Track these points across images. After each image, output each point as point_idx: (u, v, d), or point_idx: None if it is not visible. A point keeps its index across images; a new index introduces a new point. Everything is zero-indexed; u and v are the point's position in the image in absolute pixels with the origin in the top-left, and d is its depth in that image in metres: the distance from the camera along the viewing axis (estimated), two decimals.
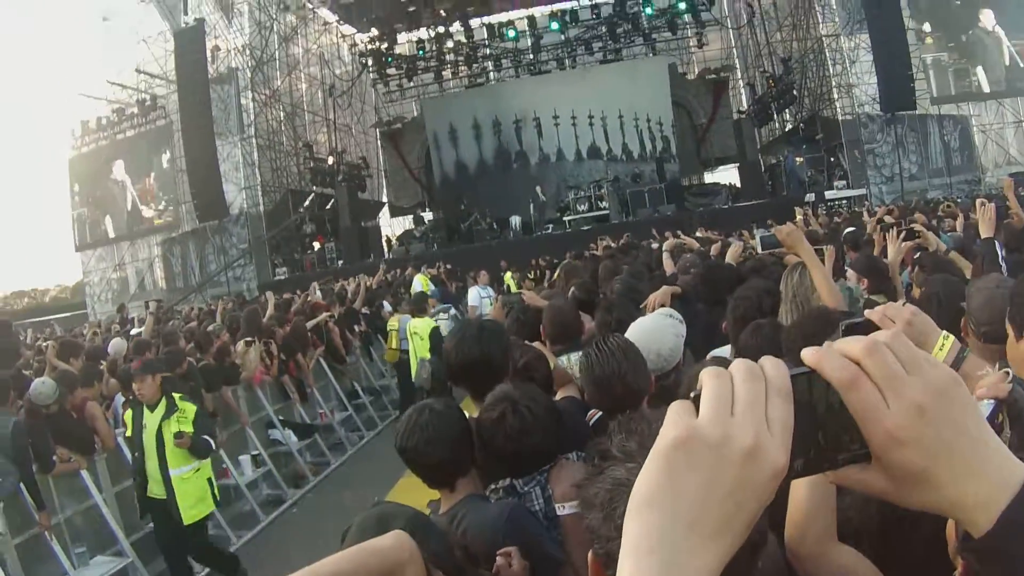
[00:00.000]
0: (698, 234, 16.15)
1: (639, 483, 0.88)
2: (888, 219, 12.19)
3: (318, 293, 19.45)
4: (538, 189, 33.77)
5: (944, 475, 0.90)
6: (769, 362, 0.92)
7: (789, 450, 0.87)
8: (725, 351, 4.94)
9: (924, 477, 0.90)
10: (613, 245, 16.82)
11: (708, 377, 0.91)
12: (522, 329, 6.04)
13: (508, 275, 19.31)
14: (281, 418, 13.00)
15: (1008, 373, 2.03)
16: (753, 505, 0.87)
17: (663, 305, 6.07)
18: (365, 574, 1.93)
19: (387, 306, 18.83)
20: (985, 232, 6.41)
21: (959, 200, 22.54)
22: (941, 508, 0.92)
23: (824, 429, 0.92)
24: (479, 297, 15.17)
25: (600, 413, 4.06)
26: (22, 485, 7.97)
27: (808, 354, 0.94)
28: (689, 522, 0.84)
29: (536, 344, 5.31)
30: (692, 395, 0.91)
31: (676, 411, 0.90)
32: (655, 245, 14.46)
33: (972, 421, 0.92)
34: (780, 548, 2.02)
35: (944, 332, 2.47)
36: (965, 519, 0.91)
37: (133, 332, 16.52)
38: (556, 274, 12.26)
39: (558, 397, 4.64)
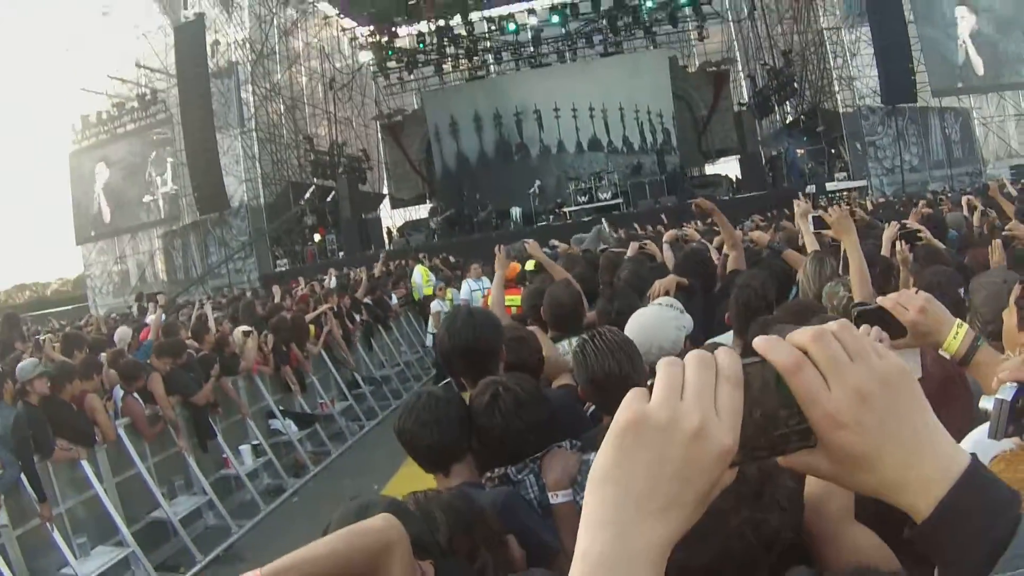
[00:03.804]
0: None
1: (595, 462, 0.94)
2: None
3: (334, 280, 19.55)
4: (537, 185, 33.60)
5: (885, 459, 0.95)
6: (722, 352, 0.97)
7: (736, 433, 0.92)
8: (725, 338, 4.96)
9: (864, 461, 0.95)
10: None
11: (662, 365, 0.96)
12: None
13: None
14: (281, 408, 13.02)
15: None
16: (701, 483, 0.91)
17: (667, 294, 6.09)
18: (358, 553, 2.00)
19: (394, 298, 18.94)
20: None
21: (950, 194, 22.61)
22: (882, 492, 0.97)
23: (773, 413, 0.96)
24: (470, 291, 15.07)
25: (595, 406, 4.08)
26: (23, 477, 8.01)
27: (758, 342, 0.98)
28: (639, 498, 0.90)
29: (535, 327, 5.34)
30: (648, 383, 0.95)
31: (630, 397, 0.95)
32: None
33: (918, 412, 0.97)
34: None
35: (958, 320, 2.48)
36: (906, 504, 0.95)
37: (148, 319, 16.59)
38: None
39: (554, 386, 4.66)
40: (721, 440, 0.90)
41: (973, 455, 0.97)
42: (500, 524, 2.95)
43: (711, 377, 0.93)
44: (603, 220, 15.73)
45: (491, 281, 13.50)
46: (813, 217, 6.09)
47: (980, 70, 32.93)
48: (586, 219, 29.12)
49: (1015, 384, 1.85)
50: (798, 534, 1.85)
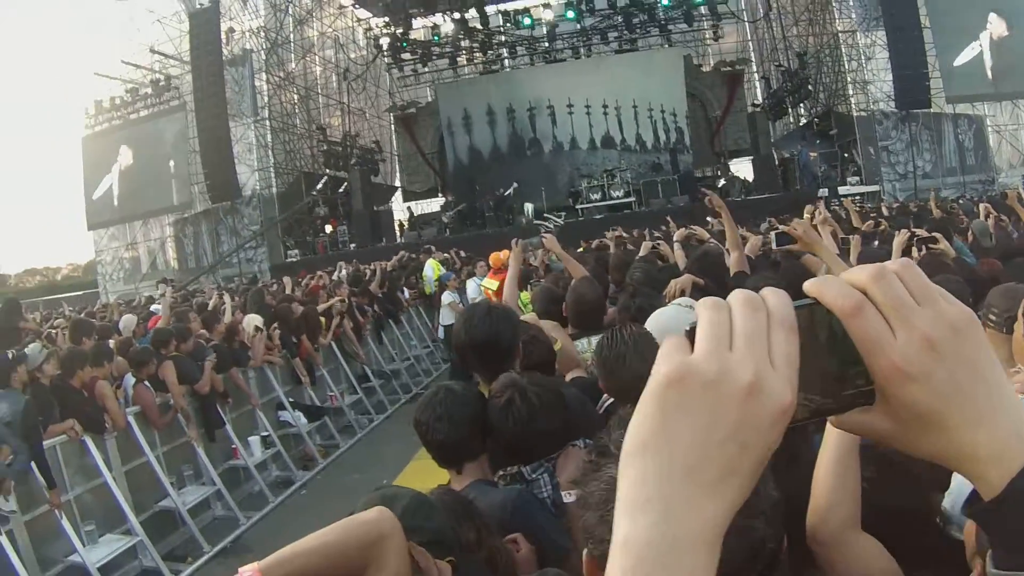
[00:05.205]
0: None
1: (630, 431, 0.81)
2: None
3: (344, 272, 19.58)
4: (513, 186, 33.41)
5: (955, 418, 0.82)
6: (771, 292, 0.85)
7: (795, 386, 0.80)
8: None
9: (932, 419, 0.83)
10: (625, 236, 16.77)
11: (704, 308, 0.84)
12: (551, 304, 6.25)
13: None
14: (291, 400, 13.04)
15: None
16: (759, 447, 0.79)
17: (683, 293, 6.08)
18: (352, 543, 2.05)
19: (406, 292, 19.00)
20: None
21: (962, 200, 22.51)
22: (949, 457, 0.85)
23: (829, 365, 0.84)
24: (477, 288, 14.99)
25: (611, 400, 4.08)
26: (33, 463, 8.03)
27: (810, 284, 0.87)
28: (687, 468, 0.77)
29: (549, 323, 5.35)
30: (686, 328, 0.84)
31: (668, 347, 0.82)
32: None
33: (988, 365, 0.84)
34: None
35: None
36: (975, 473, 0.83)
37: (152, 308, 16.66)
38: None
39: (567, 379, 4.66)
40: (780, 395, 0.78)
41: None
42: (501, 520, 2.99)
43: (763, 321, 0.81)
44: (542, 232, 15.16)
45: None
46: (777, 234, 5.85)
47: (990, 75, 32.64)
48: (598, 216, 29.11)
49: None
50: (780, 546, 1.82)
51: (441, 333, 16.40)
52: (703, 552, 0.77)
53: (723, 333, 0.81)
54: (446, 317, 15.68)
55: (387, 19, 38.91)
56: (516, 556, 2.90)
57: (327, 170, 37.79)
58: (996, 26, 32.29)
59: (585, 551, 1.49)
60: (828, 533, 2.03)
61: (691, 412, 0.78)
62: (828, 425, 2.00)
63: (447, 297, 16.07)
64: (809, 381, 0.82)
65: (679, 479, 0.77)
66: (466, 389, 3.55)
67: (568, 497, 3.30)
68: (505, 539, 2.92)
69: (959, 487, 2.25)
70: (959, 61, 31.78)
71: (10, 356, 8.74)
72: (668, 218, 18.04)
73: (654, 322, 4.48)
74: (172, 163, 35.76)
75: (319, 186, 35.72)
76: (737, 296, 0.84)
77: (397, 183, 45.17)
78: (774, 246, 5.94)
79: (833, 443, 2.03)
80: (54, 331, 14.63)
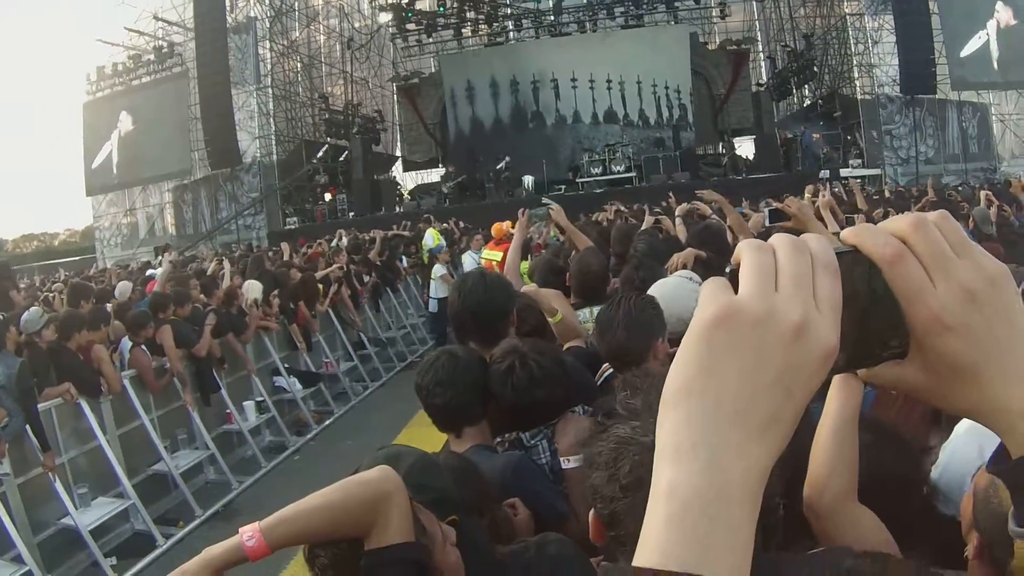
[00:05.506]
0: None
1: (672, 373, 0.77)
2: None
3: (344, 240, 19.59)
4: (505, 161, 33.25)
5: (991, 371, 0.80)
6: (813, 237, 0.81)
7: (839, 330, 0.77)
8: None
9: (968, 372, 0.81)
10: (624, 209, 16.74)
11: (748, 249, 0.80)
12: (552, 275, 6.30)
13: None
14: (287, 366, 13.07)
15: None
16: (803, 393, 0.76)
17: (685, 266, 6.05)
18: (355, 503, 2.00)
19: (405, 261, 19.01)
20: None
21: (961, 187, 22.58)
22: (981, 411, 0.82)
23: (865, 319, 0.82)
24: (473, 263, 14.91)
25: (610, 370, 4.06)
26: (27, 426, 8.02)
27: (849, 232, 0.84)
28: (734, 412, 0.73)
29: (553, 292, 5.34)
30: (728, 269, 0.80)
31: (712, 288, 0.78)
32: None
33: None
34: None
35: None
36: (1006, 427, 0.81)
37: (149, 272, 16.66)
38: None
39: (564, 348, 4.65)
40: (826, 338, 0.75)
41: None
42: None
43: (807, 263, 0.78)
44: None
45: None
46: (771, 210, 5.81)
47: (996, 65, 32.63)
48: (598, 191, 29.12)
49: None
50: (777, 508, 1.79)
51: (433, 306, 16.23)
52: (748, 503, 0.73)
53: (769, 273, 0.77)
54: (437, 290, 15.65)
55: None
56: (514, 520, 2.89)
57: (328, 138, 37.93)
58: (1003, 15, 32.33)
59: (592, 511, 1.46)
60: (825, 504, 2.03)
61: (739, 353, 0.74)
62: (829, 395, 1.99)
63: (438, 270, 16.04)
64: (844, 333, 0.78)
65: (726, 423, 0.74)
66: (468, 354, 3.54)
67: (566, 463, 3.29)
68: (504, 504, 2.92)
69: (947, 460, 2.25)
70: (965, 52, 31.84)
71: (1, 318, 8.72)
72: (670, 193, 17.99)
73: (657, 292, 4.47)
74: (173, 129, 35.65)
75: (320, 154, 35.76)
76: (781, 238, 0.80)
77: (398, 153, 45.24)
78: (767, 223, 5.91)
79: (833, 413, 2.03)
80: (51, 295, 14.59)
